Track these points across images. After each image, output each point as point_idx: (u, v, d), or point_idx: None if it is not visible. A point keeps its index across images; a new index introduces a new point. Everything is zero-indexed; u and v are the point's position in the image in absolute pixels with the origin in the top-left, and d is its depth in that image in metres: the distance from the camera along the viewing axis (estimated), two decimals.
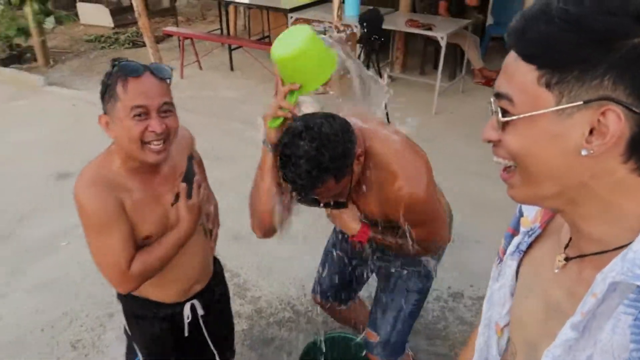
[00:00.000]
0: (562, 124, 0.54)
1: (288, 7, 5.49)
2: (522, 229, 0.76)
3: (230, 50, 6.06)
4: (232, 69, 6.08)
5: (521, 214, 0.79)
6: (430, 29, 4.82)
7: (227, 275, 1.89)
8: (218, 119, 4.82)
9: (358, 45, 4.64)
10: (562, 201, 0.60)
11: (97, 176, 1.31)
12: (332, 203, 1.44)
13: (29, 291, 2.78)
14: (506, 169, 0.62)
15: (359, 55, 4.68)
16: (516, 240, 0.76)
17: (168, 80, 1.30)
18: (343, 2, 5.26)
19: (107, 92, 1.26)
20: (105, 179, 1.30)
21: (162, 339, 1.61)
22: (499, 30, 6.44)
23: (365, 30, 4.36)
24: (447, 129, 4.68)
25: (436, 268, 1.81)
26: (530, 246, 0.75)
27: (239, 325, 2.51)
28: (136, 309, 1.57)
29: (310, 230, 2.71)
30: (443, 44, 4.67)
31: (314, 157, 1.20)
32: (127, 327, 1.63)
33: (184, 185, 1.38)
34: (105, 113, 1.29)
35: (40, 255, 3.04)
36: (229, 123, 4.73)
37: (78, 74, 6.14)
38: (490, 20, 6.65)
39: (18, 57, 6.42)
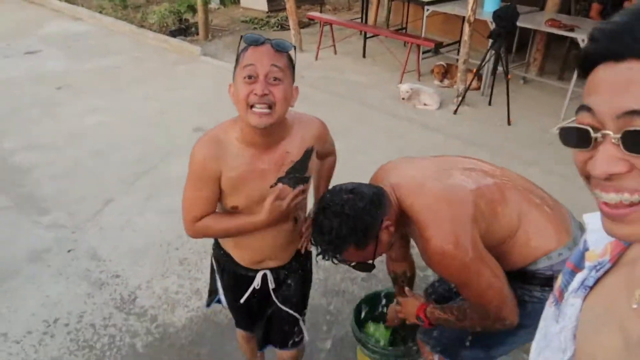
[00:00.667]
0: None
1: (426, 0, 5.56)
2: (588, 264, 0.69)
3: (365, 38, 6.31)
4: (364, 55, 6.33)
5: (586, 248, 0.71)
6: (572, 30, 4.56)
7: None
8: (341, 99, 5.11)
9: (489, 40, 4.58)
10: None
11: (214, 138, 1.39)
12: (358, 264, 1.50)
13: (158, 213, 3.34)
14: (627, 204, 0.52)
15: (487, 52, 4.61)
16: (580, 276, 0.69)
17: (287, 55, 1.32)
18: None
19: (236, 62, 1.33)
20: (219, 144, 1.37)
21: (237, 290, 1.71)
22: None
23: (497, 26, 4.28)
24: None
25: None
26: (596, 282, 0.67)
27: (317, 275, 2.76)
28: (220, 257, 1.70)
29: None
30: (583, 46, 4.39)
31: (335, 230, 1.33)
32: (214, 265, 1.78)
33: (280, 186, 1.42)
34: (232, 82, 1.35)
35: (169, 189, 3.61)
36: (349, 103, 5.00)
37: (229, 48, 6.90)
38: None
39: (185, 30, 7.40)
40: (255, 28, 7.93)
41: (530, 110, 4.94)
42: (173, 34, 7.22)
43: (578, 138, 0.53)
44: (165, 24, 7.50)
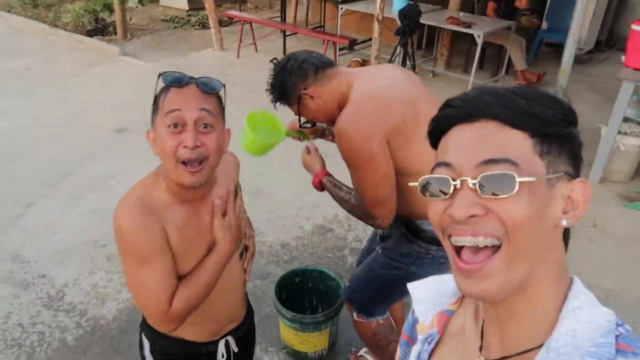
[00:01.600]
0: (549, 194, 0.55)
1: None
2: (420, 337, 0.71)
3: (285, 36, 6.52)
4: (284, 53, 6.54)
5: (415, 319, 0.74)
6: (469, 26, 5.02)
7: None
8: (263, 95, 5.28)
9: (397, 36, 4.94)
10: (519, 287, 0.57)
11: (140, 202, 1.15)
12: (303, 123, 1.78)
13: (82, 214, 3.37)
14: (480, 252, 0.56)
15: (396, 47, 4.98)
16: (416, 349, 0.72)
17: (216, 95, 1.17)
18: None
19: (153, 105, 1.15)
20: (148, 206, 1.15)
21: None
22: (552, 35, 6.48)
23: (403, 23, 4.64)
24: None
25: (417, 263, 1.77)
26: (431, 354, 0.70)
27: None
28: (168, 349, 1.37)
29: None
30: (479, 41, 4.87)
31: (269, 83, 1.69)
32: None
33: (218, 202, 1.24)
34: (152, 128, 1.17)
35: (93, 190, 3.63)
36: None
37: (149, 47, 6.85)
38: (544, 26, 6.67)
39: (102, 30, 7.24)
40: (176, 27, 7.89)
41: (439, 102, 5.37)
42: (89, 33, 7.05)
43: (439, 187, 0.58)
44: (80, 24, 7.29)
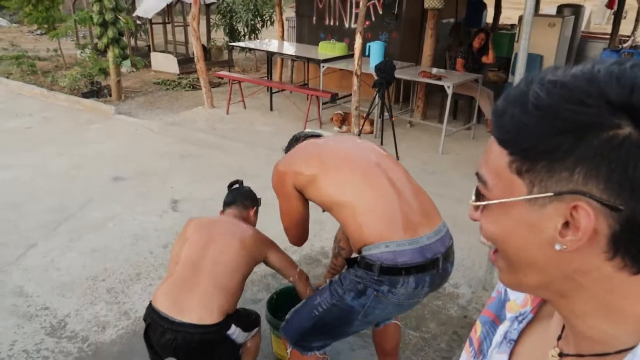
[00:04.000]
0: (536, 214, 0.50)
1: (321, 57, 6.39)
2: (509, 315, 0.68)
3: (271, 93, 6.99)
4: (271, 109, 6.97)
5: (507, 298, 0.71)
6: (440, 79, 5.51)
7: None
8: (251, 146, 5.63)
9: (374, 89, 5.39)
10: (550, 293, 0.54)
11: None
12: None
13: (81, 253, 3.55)
14: (495, 250, 0.57)
15: (374, 99, 5.42)
16: (503, 328, 0.68)
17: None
18: (368, 56, 6.10)
19: None
20: None
21: None
22: None
23: (379, 77, 5.10)
24: (450, 166, 5.25)
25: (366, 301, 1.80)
26: (520, 334, 0.66)
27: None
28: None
29: None
30: (449, 92, 5.33)
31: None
32: (238, 336, 2.04)
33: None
34: None
35: (91, 231, 3.83)
36: (258, 149, 5.53)
37: (142, 107, 7.25)
38: (511, 79, 7.25)
39: (97, 92, 7.66)
40: (167, 89, 8.36)
41: (415, 148, 5.77)
42: (85, 96, 7.45)
43: None
44: (77, 87, 7.71)
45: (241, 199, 2.42)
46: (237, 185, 2.54)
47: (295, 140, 2.20)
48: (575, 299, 0.52)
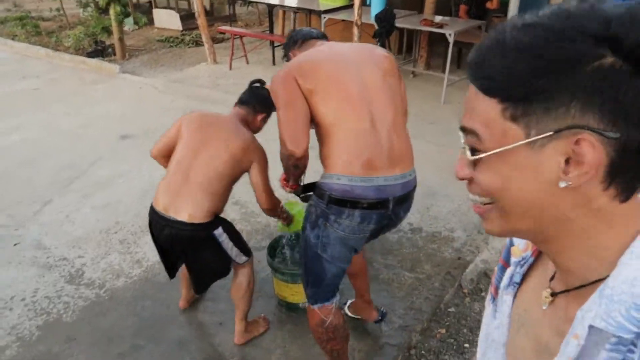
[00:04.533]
0: (536, 156, 0.50)
1: (322, 9, 6.32)
2: (513, 259, 0.71)
3: (274, 47, 6.96)
4: (274, 63, 6.97)
5: (512, 243, 0.73)
6: (441, 27, 5.45)
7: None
8: None
9: (375, 39, 5.36)
10: (538, 235, 0.57)
11: None
12: None
13: (94, 208, 3.73)
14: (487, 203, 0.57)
15: None
16: (509, 272, 0.71)
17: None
18: (369, 4, 6.02)
19: None
20: None
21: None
22: None
23: (379, 26, 5.06)
24: (451, 116, 5.28)
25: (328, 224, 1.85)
26: (524, 277, 0.70)
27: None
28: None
29: None
30: (451, 40, 5.28)
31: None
32: (225, 242, 2.24)
33: None
34: None
35: (102, 188, 4.00)
36: None
37: (147, 65, 7.28)
38: None
39: (101, 52, 7.69)
40: (171, 46, 8.35)
41: (418, 98, 5.77)
42: (90, 55, 7.49)
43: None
44: (81, 47, 7.74)
45: (254, 101, 2.38)
46: (257, 85, 2.48)
47: (293, 43, 2.11)
48: (561, 237, 0.55)
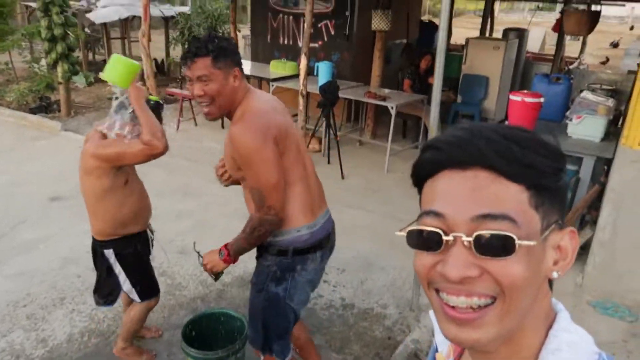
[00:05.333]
0: (544, 247, 0.52)
1: (272, 76, 6.46)
2: None
3: None
4: (222, 126, 6.97)
5: (436, 349, 0.73)
6: (384, 99, 5.63)
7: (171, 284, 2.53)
8: (196, 164, 5.62)
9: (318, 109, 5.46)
10: (509, 336, 0.55)
11: None
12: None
13: (6, 277, 3.45)
14: (475, 307, 0.52)
15: (319, 118, 5.49)
16: None
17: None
18: (317, 75, 6.19)
19: None
20: None
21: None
22: (465, 108, 7.25)
23: (323, 97, 5.18)
24: (393, 185, 5.35)
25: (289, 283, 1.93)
26: None
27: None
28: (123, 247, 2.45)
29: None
30: (393, 112, 5.45)
31: (214, 37, 1.78)
32: (114, 265, 2.44)
33: None
34: None
35: (21, 253, 3.74)
36: (203, 167, 5.51)
37: (92, 123, 7.11)
38: (458, 99, 7.46)
39: (45, 108, 7.50)
40: None
41: (362, 166, 5.85)
42: (33, 111, 7.28)
43: (429, 241, 0.53)
44: (25, 102, 7.54)
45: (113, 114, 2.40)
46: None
47: (238, 65, 1.84)
48: (524, 333, 0.56)
